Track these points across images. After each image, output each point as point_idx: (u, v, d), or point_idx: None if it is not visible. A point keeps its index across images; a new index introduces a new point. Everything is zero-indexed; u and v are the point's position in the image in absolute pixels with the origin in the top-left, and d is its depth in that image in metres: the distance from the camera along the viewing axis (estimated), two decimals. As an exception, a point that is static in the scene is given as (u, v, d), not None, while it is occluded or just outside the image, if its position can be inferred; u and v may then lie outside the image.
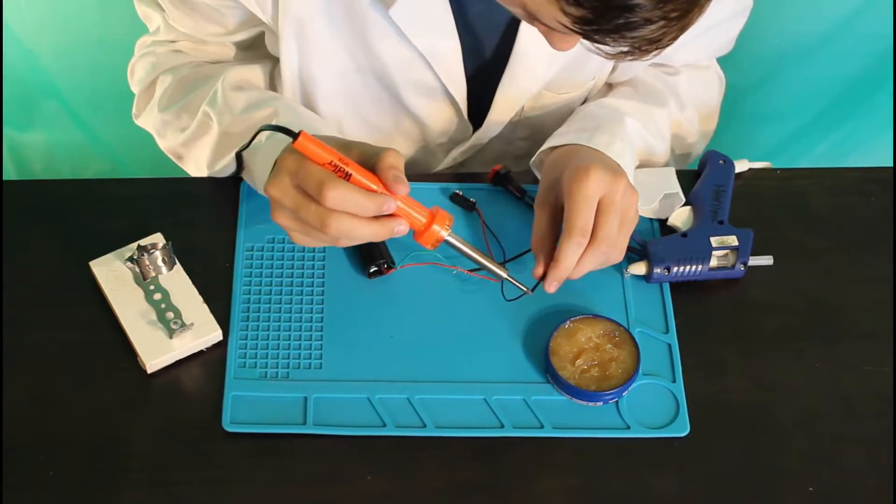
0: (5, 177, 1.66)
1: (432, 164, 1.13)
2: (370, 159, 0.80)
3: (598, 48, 0.71)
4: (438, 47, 0.98)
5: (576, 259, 0.87)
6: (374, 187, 0.79)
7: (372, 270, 0.94)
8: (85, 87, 1.60)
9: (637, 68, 1.06)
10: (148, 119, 1.08)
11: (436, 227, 0.82)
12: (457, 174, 1.12)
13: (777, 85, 1.56)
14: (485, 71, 1.02)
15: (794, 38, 1.50)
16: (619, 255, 0.89)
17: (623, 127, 0.97)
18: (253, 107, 0.96)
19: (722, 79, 1.14)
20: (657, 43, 0.69)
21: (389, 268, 0.95)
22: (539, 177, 0.99)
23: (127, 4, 1.51)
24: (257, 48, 1.05)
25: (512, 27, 0.98)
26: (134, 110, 1.11)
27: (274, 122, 0.89)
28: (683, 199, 0.99)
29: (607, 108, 1.01)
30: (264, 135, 0.87)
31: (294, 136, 0.77)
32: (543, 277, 0.89)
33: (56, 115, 1.64)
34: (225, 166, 0.97)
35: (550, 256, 0.89)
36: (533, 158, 0.99)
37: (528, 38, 0.97)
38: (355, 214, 0.78)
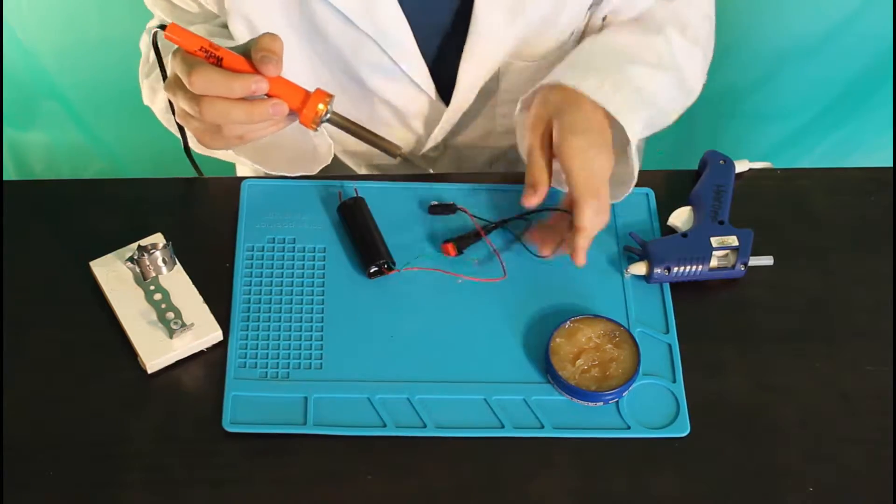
0: (5, 177, 1.66)
1: (417, 148, 1.13)
2: (248, 51, 0.81)
3: None
4: (384, 25, 0.98)
5: (595, 220, 0.89)
6: (245, 70, 0.80)
7: (372, 270, 0.94)
8: (85, 87, 1.60)
9: (634, 13, 1.04)
10: (144, 91, 1.10)
11: (312, 103, 0.82)
12: (431, 175, 1.11)
13: (777, 85, 1.56)
14: (446, 46, 1.02)
15: (795, 37, 1.50)
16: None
17: (618, 75, 0.94)
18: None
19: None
20: None
21: (390, 268, 0.95)
22: (519, 133, 0.98)
23: (127, 4, 1.51)
24: None
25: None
26: (142, 90, 1.12)
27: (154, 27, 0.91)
28: (631, 187, 0.96)
29: (606, 47, 0.99)
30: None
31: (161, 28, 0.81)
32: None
33: (56, 115, 1.64)
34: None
35: (546, 188, 0.91)
36: (521, 101, 0.97)
37: (484, 6, 0.97)
38: (226, 97, 0.80)
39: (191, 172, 1.02)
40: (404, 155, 0.88)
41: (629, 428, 0.88)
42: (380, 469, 0.86)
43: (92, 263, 0.94)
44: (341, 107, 1.05)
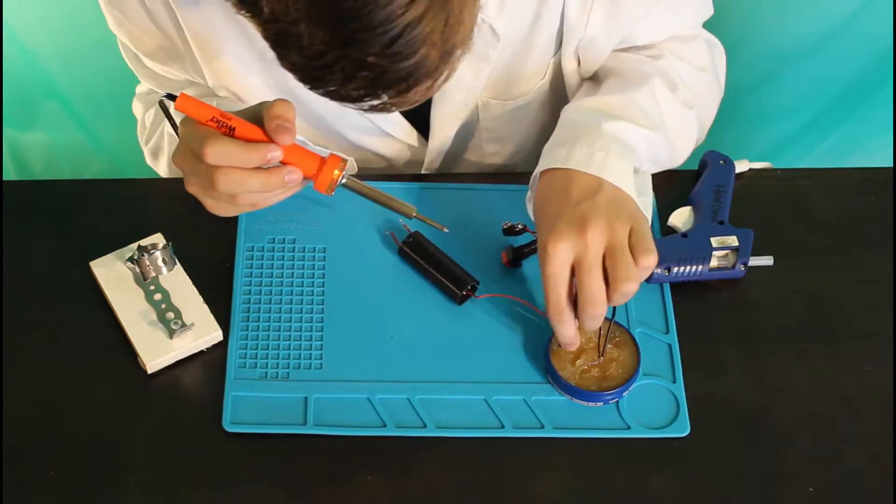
0: (5, 177, 1.66)
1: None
2: (260, 114, 0.80)
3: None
4: None
5: (571, 331, 0.86)
6: (259, 139, 0.80)
7: (463, 294, 0.93)
8: (85, 87, 1.60)
9: (599, 57, 1.00)
10: (146, 155, 1.12)
11: (327, 169, 0.82)
12: (438, 175, 1.10)
13: (777, 85, 1.56)
14: None
15: (795, 37, 1.50)
16: (626, 288, 0.83)
17: (603, 136, 0.90)
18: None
19: (714, 45, 1.08)
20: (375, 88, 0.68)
21: (475, 289, 0.94)
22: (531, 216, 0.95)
23: (127, 4, 1.50)
24: None
25: None
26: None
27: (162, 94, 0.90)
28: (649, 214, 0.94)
29: (590, 111, 0.95)
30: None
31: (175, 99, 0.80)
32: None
33: (56, 115, 1.64)
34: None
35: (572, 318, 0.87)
36: (529, 195, 0.94)
37: None
38: (241, 167, 0.79)
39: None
40: (419, 216, 0.87)
41: (629, 428, 0.88)
42: (380, 469, 0.86)
43: (92, 263, 0.94)
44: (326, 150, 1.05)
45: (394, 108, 0.72)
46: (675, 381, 0.91)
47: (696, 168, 1.04)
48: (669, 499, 0.85)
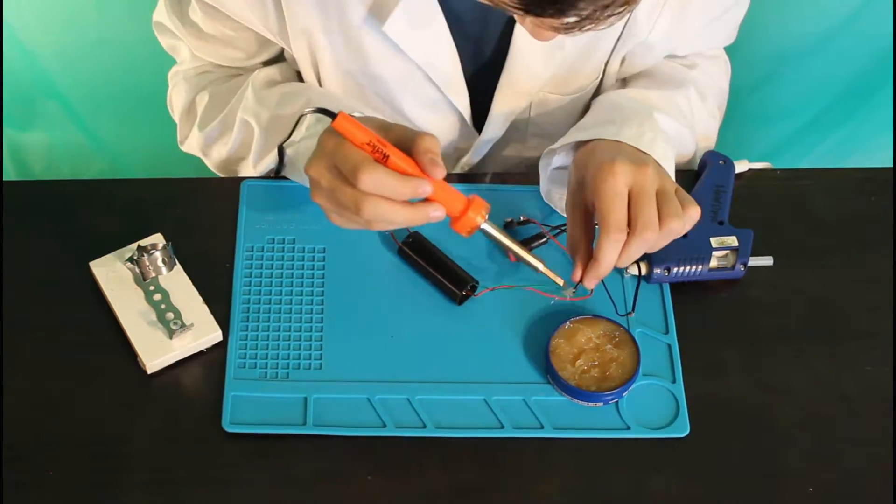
0: (5, 177, 1.66)
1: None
2: (407, 142, 0.79)
3: (562, 25, 0.71)
4: (436, 59, 0.98)
5: (615, 255, 0.85)
6: (410, 171, 0.78)
7: (463, 293, 0.93)
8: (85, 87, 1.60)
9: (649, 61, 1.05)
10: (192, 141, 1.10)
11: (471, 214, 0.81)
12: (465, 174, 1.11)
13: (777, 85, 1.56)
14: (484, 76, 1.02)
15: (795, 37, 1.50)
16: (674, 226, 0.85)
17: (653, 120, 0.93)
18: (286, 98, 0.98)
19: (728, 67, 1.14)
20: (608, 9, 0.70)
21: (475, 289, 0.94)
22: (542, 176, 0.98)
23: (127, 4, 1.51)
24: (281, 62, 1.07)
25: (507, 30, 0.98)
26: (178, 137, 1.12)
27: (307, 110, 0.90)
28: None
29: (633, 99, 0.99)
30: (304, 125, 0.90)
31: (333, 116, 0.78)
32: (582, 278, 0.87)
33: (56, 115, 1.64)
34: (268, 163, 0.98)
35: (587, 257, 0.86)
36: (546, 151, 0.96)
37: (523, 39, 0.97)
38: (390, 198, 0.78)
39: (191, 172, 1.02)
40: (546, 270, 0.87)
41: (629, 428, 0.88)
42: (380, 469, 0.86)
43: (92, 263, 0.94)
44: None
45: (587, 27, 0.72)
46: (674, 382, 0.91)
47: (695, 168, 1.04)
48: (669, 499, 0.85)
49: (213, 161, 1.09)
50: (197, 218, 1.00)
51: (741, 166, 1.04)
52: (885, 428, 0.89)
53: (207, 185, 1.03)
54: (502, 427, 0.88)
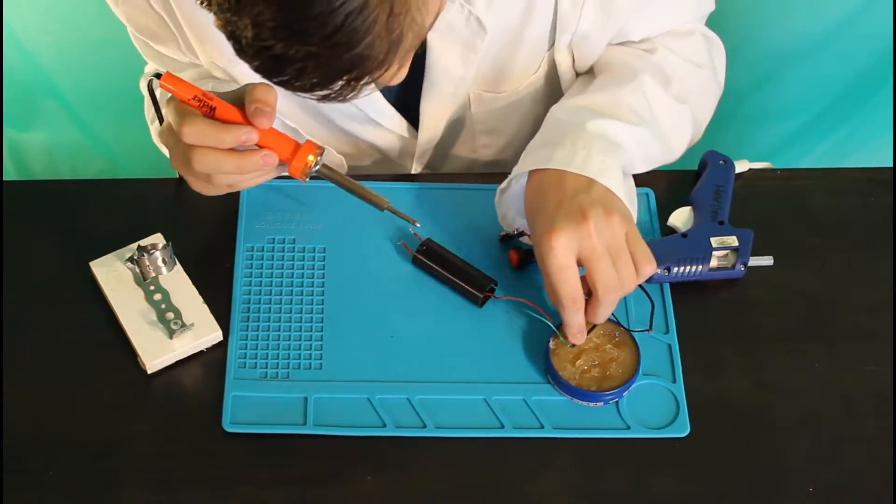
0: (5, 177, 1.66)
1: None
2: (242, 97, 0.81)
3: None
4: None
5: (581, 320, 0.87)
6: (237, 121, 0.81)
7: (483, 296, 0.93)
8: (85, 87, 1.60)
9: (594, 52, 1.00)
10: (152, 134, 1.11)
11: (302, 154, 0.83)
12: (435, 175, 1.10)
13: (777, 85, 1.56)
14: (411, 84, 0.99)
15: (795, 38, 1.50)
16: (630, 285, 0.87)
17: (585, 134, 0.90)
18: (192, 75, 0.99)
19: (713, 41, 1.07)
20: (326, 86, 0.70)
21: (493, 290, 0.94)
22: (499, 206, 0.95)
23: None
24: None
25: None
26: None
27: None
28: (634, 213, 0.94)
29: (570, 112, 0.95)
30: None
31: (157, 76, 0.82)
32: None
33: (56, 115, 1.64)
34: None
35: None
36: (498, 189, 0.94)
37: (438, 42, 0.96)
38: (216, 147, 0.80)
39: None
40: (391, 208, 0.88)
41: (629, 428, 0.88)
42: (380, 469, 0.86)
43: (92, 263, 0.94)
44: (324, 141, 1.05)
45: (347, 99, 0.72)
46: (675, 381, 0.91)
47: (695, 168, 1.04)
48: (669, 499, 0.85)
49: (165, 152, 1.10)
50: (197, 218, 1.00)
51: (741, 166, 1.04)
52: (885, 428, 0.89)
53: (207, 185, 1.03)
54: (502, 427, 0.88)
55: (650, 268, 0.87)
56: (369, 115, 1.03)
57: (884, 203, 1.03)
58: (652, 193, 1.02)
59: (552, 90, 1.05)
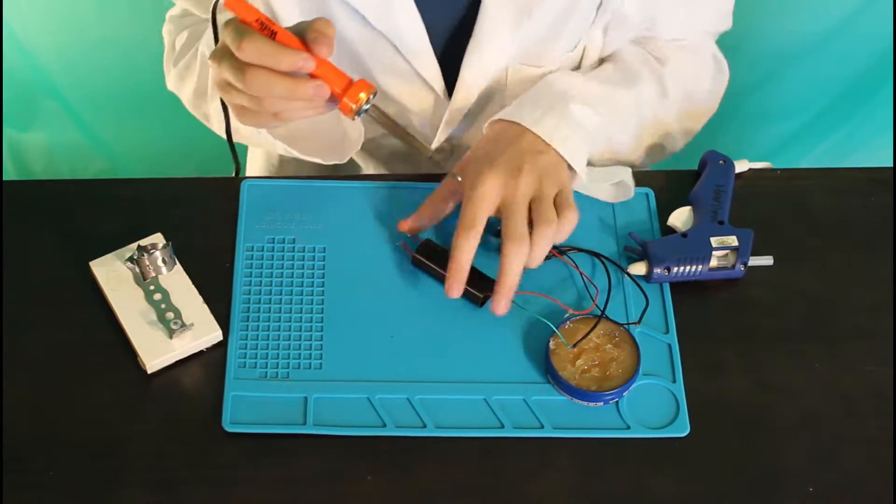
0: (5, 177, 1.66)
1: (424, 149, 1.13)
2: (304, 29, 0.82)
3: None
4: (400, 27, 0.99)
5: (468, 251, 0.89)
6: (296, 47, 0.81)
7: (484, 296, 0.93)
8: (85, 87, 1.61)
9: (624, 36, 1.04)
10: (170, 79, 1.11)
11: (355, 91, 0.83)
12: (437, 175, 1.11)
13: (777, 85, 1.56)
14: (454, 44, 1.02)
15: (795, 37, 1.50)
16: (544, 241, 0.89)
17: (564, 109, 0.95)
18: None
19: (720, 63, 1.11)
20: None
21: (488, 297, 0.94)
22: None
23: (127, 4, 1.51)
24: None
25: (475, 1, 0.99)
26: (166, 76, 1.13)
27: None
28: (632, 192, 0.98)
29: (560, 84, 0.99)
30: None
31: None
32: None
33: (56, 115, 1.64)
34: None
35: (428, 218, 0.94)
36: (486, 125, 0.98)
37: (492, 7, 0.98)
38: (272, 68, 0.80)
39: (191, 172, 1.02)
40: (432, 156, 0.89)
41: (629, 428, 0.88)
42: (380, 469, 0.86)
43: (92, 263, 0.94)
44: None
45: None
46: (674, 381, 0.91)
47: (695, 168, 1.04)
48: (669, 499, 0.85)
49: (186, 97, 1.10)
50: (197, 218, 1.00)
51: (741, 166, 1.04)
52: (885, 428, 0.89)
53: (207, 185, 1.03)
54: (502, 427, 0.88)
55: (572, 213, 0.90)
56: (413, 66, 1.02)
57: (884, 203, 1.03)
58: (652, 193, 1.02)
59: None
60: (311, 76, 0.83)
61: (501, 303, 0.89)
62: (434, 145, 1.11)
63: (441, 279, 0.94)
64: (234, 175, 1.03)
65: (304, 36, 0.82)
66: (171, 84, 1.12)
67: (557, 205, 0.90)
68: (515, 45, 1.01)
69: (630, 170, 0.98)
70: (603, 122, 0.98)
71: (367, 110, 0.85)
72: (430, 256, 0.95)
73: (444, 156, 1.14)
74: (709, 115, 1.12)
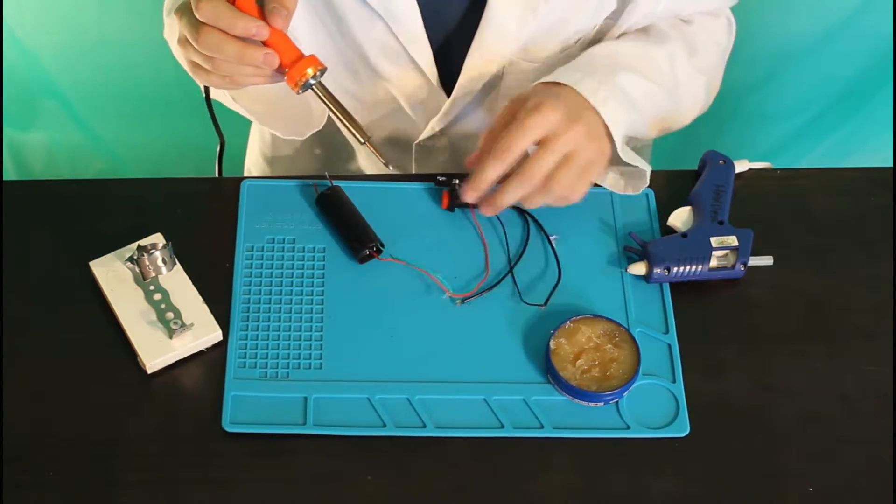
0: (5, 177, 1.66)
1: (413, 134, 1.14)
2: None
3: None
4: (395, 7, 0.99)
5: (492, 175, 0.89)
6: (253, 14, 0.83)
7: (363, 255, 0.95)
8: (85, 87, 1.60)
9: (648, 21, 1.05)
10: (166, 29, 1.11)
11: (302, 65, 0.85)
12: (424, 175, 1.11)
13: (777, 85, 1.56)
14: (455, 36, 1.03)
15: (795, 37, 1.50)
16: (555, 191, 0.90)
17: (613, 79, 0.95)
18: None
19: (732, 26, 1.12)
20: None
21: (379, 251, 0.95)
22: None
23: (127, 5, 1.51)
24: None
25: None
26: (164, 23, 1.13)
27: None
28: (648, 180, 0.98)
29: (605, 54, 1.00)
30: None
31: None
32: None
33: (56, 115, 1.64)
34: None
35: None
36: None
37: (499, 3, 0.98)
38: (225, 31, 0.82)
39: (191, 172, 1.02)
40: (370, 143, 0.89)
41: (629, 428, 0.88)
42: (380, 469, 0.86)
43: (92, 263, 0.94)
44: (345, 83, 1.06)
45: None
46: (674, 381, 0.91)
47: (695, 168, 1.04)
48: (669, 499, 0.85)
49: (172, 46, 1.10)
50: (197, 218, 1.00)
51: (741, 166, 1.04)
52: (885, 428, 0.89)
53: (207, 185, 1.03)
54: (502, 427, 0.88)
55: (575, 197, 0.92)
56: (406, 50, 1.03)
57: (884, 203, 1.03)
58: (652, 193, 1.02)
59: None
60: (265, 45, 0.84)
61: (469, 194, 0.91)
62: (425, 133, 1.12)
63: (336, 228, 0.97)
64: (218, 150, 1.03)
65: (263, 5, 0.83)
66: (166, 32, 1.12)
67: (579, 175, 0.91)
68: (520, 43, 1.02)
69: (649, 169, 0.98)
70: (648, 84, 0.99)
71: (311, 85, 0.87)
72: (331, 203, 0.98)
73: (434, 142, 1.14)
74: (723, 68, 1.13)
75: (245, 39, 0.83)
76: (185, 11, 0.84)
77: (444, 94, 1.08)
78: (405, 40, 1.02)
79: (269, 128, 1.00)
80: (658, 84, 0.99)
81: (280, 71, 0.86)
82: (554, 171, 0.90)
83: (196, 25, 0.83)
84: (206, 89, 0.98)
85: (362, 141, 0.89)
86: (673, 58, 1.02)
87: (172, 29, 1.08)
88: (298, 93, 0.87)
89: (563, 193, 0.91)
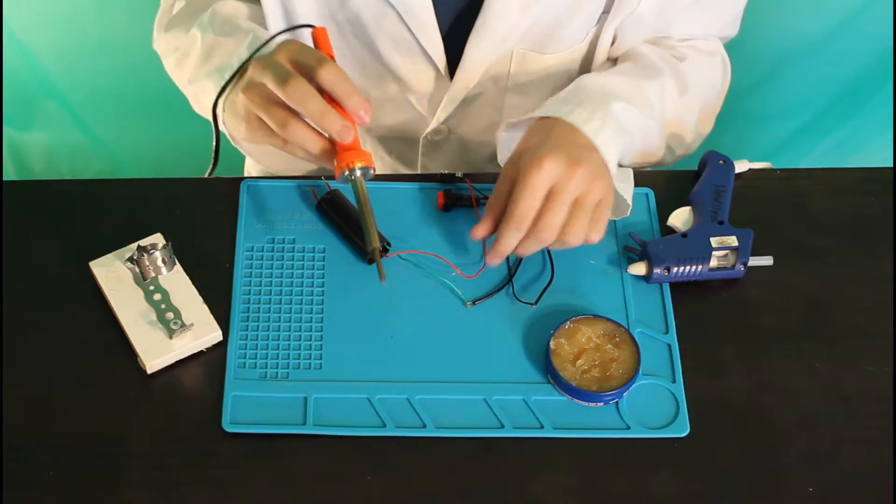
0: (5, 177, 1.66)
1: (420, 128, 1.14)
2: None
3: None
4: None
5: (514, 243, 0.90)
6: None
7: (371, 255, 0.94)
8: (85, 87, 1.60)
9: (639, 36, 1.05)
10: (159, 42, 1.11)
11: (350, 155, 0.87)
12: (424, 175, 1.11)
13: (777, 85, 1.56)
14: (461, 23, 1.03)
15: (795, 37, 1.50)
16: (572, 241, 0.90)
17: (607, 108, 0.94)
18: (234, 30, 1.00)
19: (727, 66, 1.12)
20: None
21: (387, 250, 0.95)
22: (501, 147, 1.00)
23: (126, 5, 1.51)
24: None
25: None
26: (154, 35, 1.13)
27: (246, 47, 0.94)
28: (630, 208, 0.96)
29: (596, 85, 0.99)
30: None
31: (311, 26, 0.92)
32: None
33: (56, 115, 1.64)
34: (200, 91, 1.00)
35: (494, 224, 0.91)
36: (506, 124, 0.98)
37: None
38: (308, 115, 0.85)
39: (191, 172, 1.02)
40: (376, 255, 0.90)
41: (629, 428, 0.88)
42: (380, 469, 0.86)
43: (92, 263, 0.94)
44: (354, 80, 1.06)
45: None
46: (674, 381, 0.91)
47: (695, 168, 1.04)
48: (669, 499, 0.85)
49: (168, 67, 1.10)
50: (197, 218, 1.00)
51: (741, 166, 1.04)
52: (884, 428, 0.89)
53: (207, 185, 1.03)
54: (502, 427, 0.88)
55: (595, 238, 0.90)
56: (417, 38, 1.03)
57: (884, 203, 1.03)
58: (652, 193, 1.02)
59: (584, 70, 1.09)
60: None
61: (495, 259, 0.91)
62: (432, 126, 1.12)
63: (339, 231, 0.97)
64: (214, 145, 1.04)
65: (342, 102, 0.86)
66: (157, 46, 1.11)
67: (595, 219, 0.90)
68: (523, 28, 1.02)
69: (632, 187, 0.98)
70: (641, 118, 0.98)
71: (355, 179, 0.88)
72: (333, 207, 0.97)
73: (442, 137, 1.14)
74: (717, 110, 1.13)
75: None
76: (266, 69, 0.86)
77: (449, 82, 1.08)
78: (416, 28, 1.02)
79: (265, 165, 1.02)
80: (648, 117, 0.99)
81: (330, 154, 0.88)
82: (566, 223, 0.89)
83: (286, 72, 0.84)
84: (216, 129, 0.98)
85: (370, 248, 0.89)
86: (664, 94, 1.02)
87: (181, 66, 1.08)
88: (338, 180, 0.88)
89: (577, 241, 0.90)
